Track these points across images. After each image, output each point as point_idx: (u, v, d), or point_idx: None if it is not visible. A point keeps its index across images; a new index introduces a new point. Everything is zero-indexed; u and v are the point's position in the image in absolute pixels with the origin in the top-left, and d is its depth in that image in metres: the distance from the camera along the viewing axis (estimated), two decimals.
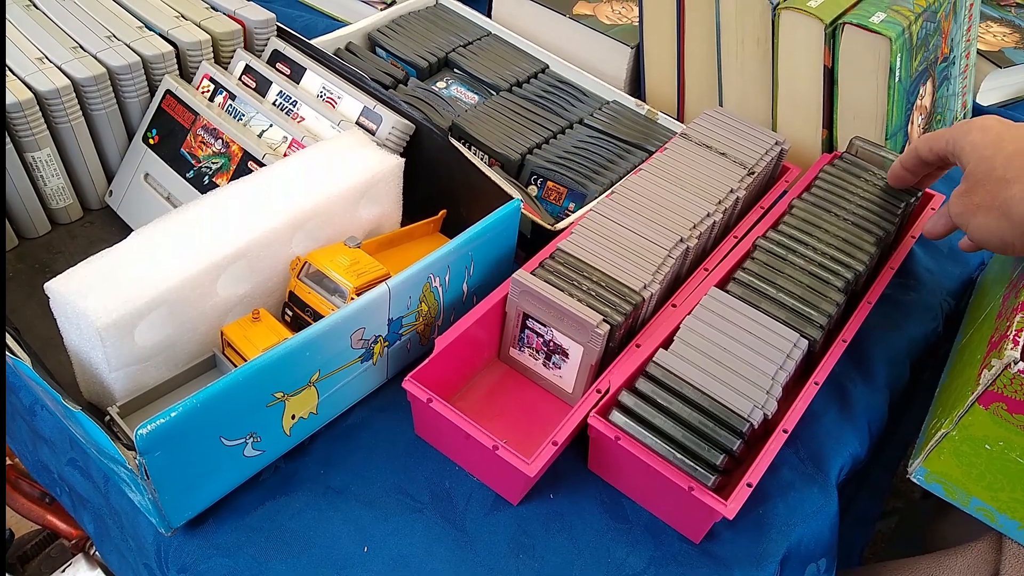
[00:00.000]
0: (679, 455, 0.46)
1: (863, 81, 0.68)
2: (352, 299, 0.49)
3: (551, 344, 0.54)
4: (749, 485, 0.46)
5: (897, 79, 0.68)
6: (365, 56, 0.77)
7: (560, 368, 0.55)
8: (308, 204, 0.50)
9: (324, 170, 0.52)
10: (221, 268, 0.47)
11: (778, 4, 0.68)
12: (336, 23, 0.89)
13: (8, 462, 0.96)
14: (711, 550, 0.49)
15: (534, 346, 0.55)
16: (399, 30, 0.80)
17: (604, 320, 0.50)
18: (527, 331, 0.55)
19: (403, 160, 0.56)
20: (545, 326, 0.53)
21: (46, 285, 0.44)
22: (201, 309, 0.47)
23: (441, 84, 0.77)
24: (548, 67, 0.80)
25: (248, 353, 0.47)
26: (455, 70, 0.79)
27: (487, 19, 0.84)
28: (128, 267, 0.45)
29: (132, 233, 0.47)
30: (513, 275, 0.52)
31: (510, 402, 0.55)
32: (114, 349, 0.43)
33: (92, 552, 0.86)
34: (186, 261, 0.46)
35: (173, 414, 0.40)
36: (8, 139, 0.56)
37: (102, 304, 0.42)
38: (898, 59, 0.67)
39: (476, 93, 0.76)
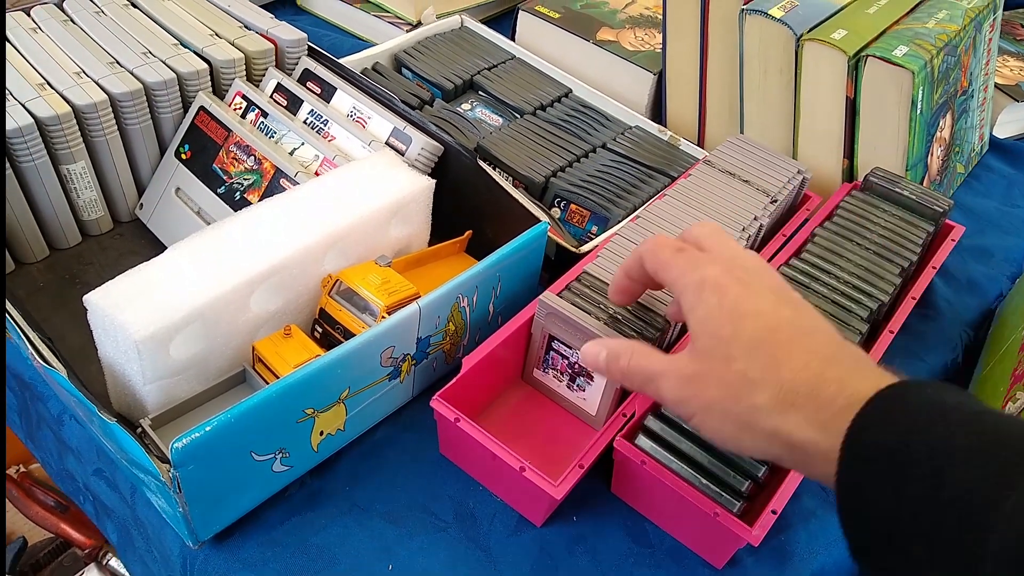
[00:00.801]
0: (704, 480, 0.46)
1: (885, 113, 0.69)
2: (383, 317, 0.49)
3: (576, 366, 0.54)
4: (774, 512, 0.46)
5: (919, 111, 0.69)
6: (391, 76, 0.78)
7: (584, 391, 0.55)
8: (341, 223, 0.51)
9: (357, 189, 0.53)
10: (255, 284, 0.47)
11: (802, 35, 0.69)
12: (362, 43, 0.90)
13: (22, 470, 0.97)
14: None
15: (559, 368, 0.56)
16: (425, 52, 0.81)
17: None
18: (552, 353, 0.55)
19: (434, 181, 0.57)
20: (570, 348, 0.53)
21: (85, 298, 0.44)
22: (234, 324, 0.48)
23: (466, 106, 0.78)
24: (571, 91, 0.81)
25: (280, 369, 0.47)
26: (480, 92, 0.80)
27: (511, 42, 0.86)
28: (165, 281, 0.45)
29: (168, 248, 0.47)
30: (540, 297, 0.53)
31: (534, 423, 0.56)
32: (150, 362, 0.44)
33: (105, 562, 0.86)
34: (221, 277, 0.46)
35: (208, 428, 0.40)
36: (45, 151, 0.57)
37: (140, 317, 0.43)
38: (920, 92, 0.68)
39: (500, 116, 0.77)
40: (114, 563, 0.85)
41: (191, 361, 0.47)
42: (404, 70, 0.81)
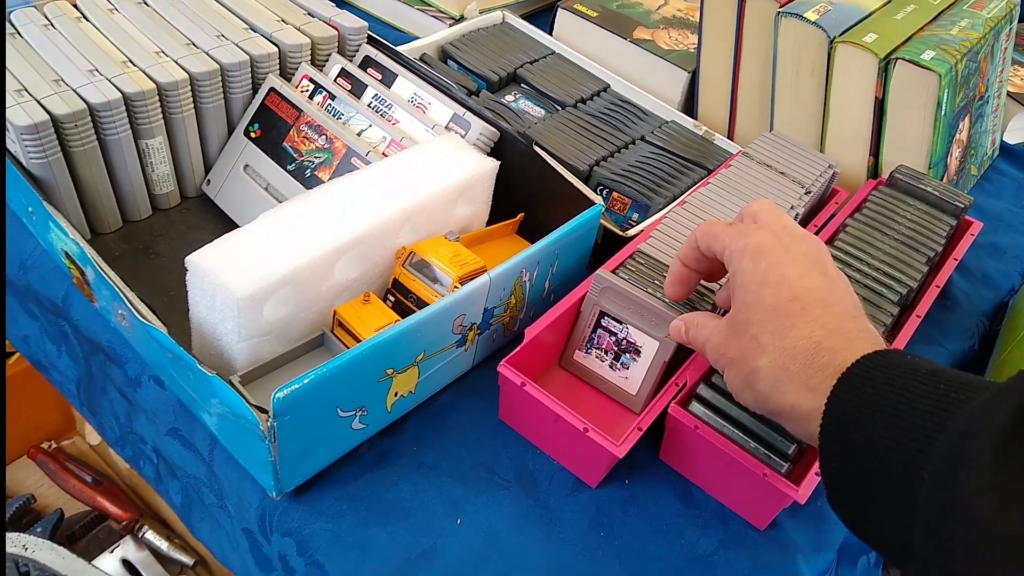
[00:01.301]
0: (754, 444, 0.50)
1: (911, 113, 0.73)
2: (455, 288, 0.53)
3: (624, 343, 0.58)
4: (817, 474, 0.50)
5: (943, 113, 0.73)
6: (438, 67, 0.81)
7: (628, 368, 0.58)
8: (415, 199, 0.55)
9: (428, 169, 0.57)
10: (340, 253, 0.51)
11: (835, 38, 0.73)
12: (403, 36, 0.94)
13: (55, 446, 0.99)
14: (775, 536, 0.52)
15: (604, 347, 0.59)
16: (470, 44, 0.85)
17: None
18: (599, 331, 0.59)
19: (497, 163, 0.60)
20: (621, 323, 0.57)
21: (187, 258, 0.48)
22: (318, 290, 0.51)
23: (509, 97, 0.81)
24: (609, 86, 0.84)
25: (361, 332, 0.51)
26: (523, 85, 0.83)
27: (550, 37, 0.89)
28: (260, 247, 0.48)
29: (258, 217, 0.50)
30: (596, 272, 0.56)
31: (576, 403, 0.58)
32: (246, 321, 0.47)
33: (141, 534, 0.89)
34: (311, 245, 0.49)
35: (306, 380, 0.44)
36: (128, 125, 0.60)
37: (241, 278, 0.46)
38: (945, 94, 0.72)
39: (542, 108, 0.81)
40: (150, 536, 0.88)
41: (279, 323, 0.50)
42: (450, 61, 0.84)
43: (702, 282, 0.55)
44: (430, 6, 0.93)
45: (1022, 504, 0.28)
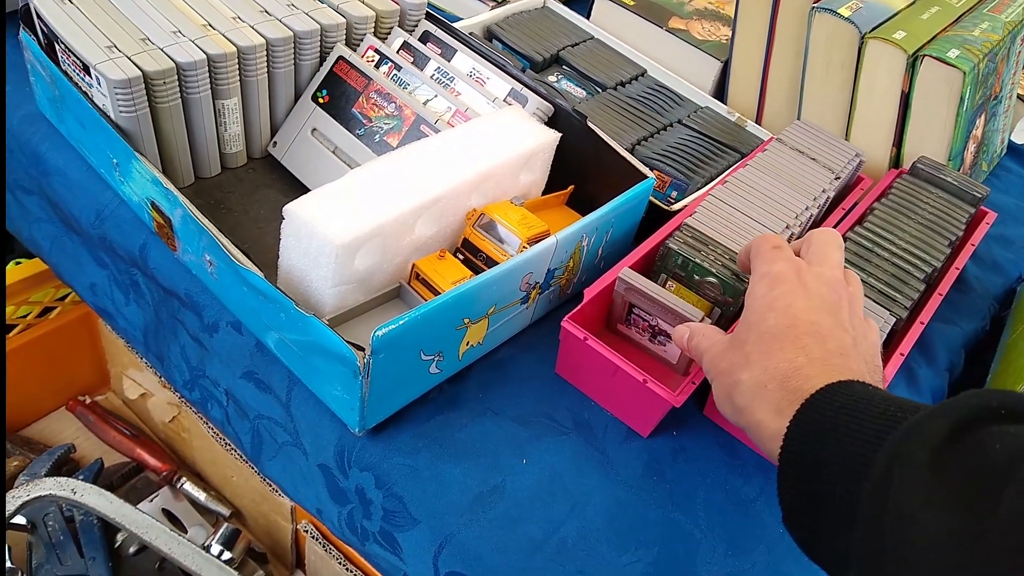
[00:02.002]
0: None
1: (935, 108, 0.78)
2: (523, 248, 0.57)
3: (655, 328, 0.61)
4: None
5: (964, 108, 0.78)
6: (484, 46, 0.85)
7: (665, 345, 0.62)
8: (487, 164, 0.58)
9: (497, 138, 0.60)
10: (422, 210, 0.54)
11: (866, 34, 0.78)
12: (445, 15, 0.97)
13: (89, 400, 1.02)
14: None
15: (640, 327, 0.63)
16: (515, 26, 0.88)
17: (706, 315, 0.58)
18: (633, 315, 0.62)
19: (558, 135, 0.64)
20: (651, 315, 0.60)
21: (285, 208, 0.51)
22: (401, 243, 0.55)
23: (552, 78, 0.85)
24: (646, 71, 0.88)
25: (440, 284, 0.54)
26: (564, 67, 0.87)
27: (588, 22, 0.93)
28: (352, 200, 0.52)
29: (349, 172, 0.54)
30: (620, 273, 0.58)
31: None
32: (340, 267, 0.51)
33: (179, 485, 0.92)
34: (398, 201, 0.53)
35: (401, 322, 0.47)
36: (209, 85, 0.63)
37: (338, 227, 0.50)
38: (967, 91, 0.77)
39: (583, 89, 0.85)
40: (188, 487, 0.91)
41: (366, 271, 0.54)
42: (495, 41, 0.88)
43: (717, 296, 0.59)
44: None
45: (949, 505, 0.30)
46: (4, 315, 0.90)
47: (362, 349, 0.47)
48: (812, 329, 0.43)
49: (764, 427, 0.41)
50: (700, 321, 0.55)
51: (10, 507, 0.75)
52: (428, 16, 0.75)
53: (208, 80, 0.62)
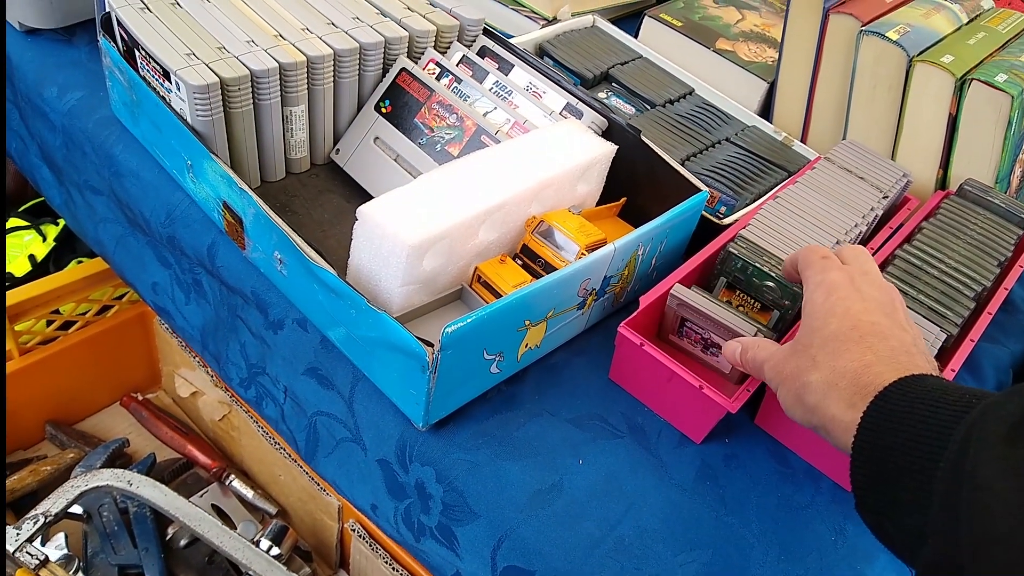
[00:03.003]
0: None
1: (982, 131, 0.79)
2: (582, 255, 0.58)
3: (707, 341, 0.63)
4: None
5: (1012, 132, 0.79)
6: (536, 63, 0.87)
7: (718, 356, 0.63)
8: (547, 174, 0.60)
9: (556, 149, 0.62)
10: (488, 215, 0.56)
11: (914, 57, 0.79)
12: (500, 32, 1.00)
13: (140, 398, 1.05)
14: None
15: (692, 339, 0.64)
16: (566, 44, 0.91)
17: (762, 325, 0.59)
18: (685, 328, 0.63)
19: (615, 147, 0.66)
20: (703, 328, 0.62)
21: (359, 209, 0.53)
22: (466, 247, 0.57)
23: (602, 95, 0.87)
24: (694, 90, 0.90)
25: (501, 287, 0.56)
26: (614, 84, 0.89)
27: (636, 41, 0.95)
28: (421, 204, 0.54)
29: (418, 178, 0.56)
30: (671, 291, 0.59)
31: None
32: (410, 267, 0.53)
33: (228, 482, 0.94)
34: (464, 206, 0.55)
35: (469, 320, 0.49)
36: (279, 92, 0.65)
37: (409, 228, 0.52)
38: (1015, 115, 0.77)
39: (632, 106, 0.87)
40: (236, 484, 0.93)
41: (432, 272, 0.56)
42: (546, 58, 0.90)
43: (751, 313, 0.60)
44: (523, 7, 0.99)
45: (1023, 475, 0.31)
46: (4, 302, 0.92)
47: (431, 345, 0.49)
48: (874, 329, 0.44)
49: (837, 422, 0.42)
50: (753, 336, 0.57)
51: (69, 496, 0.78)
52: (485, 32, 0.78)
53: (279, 88, 0.65)
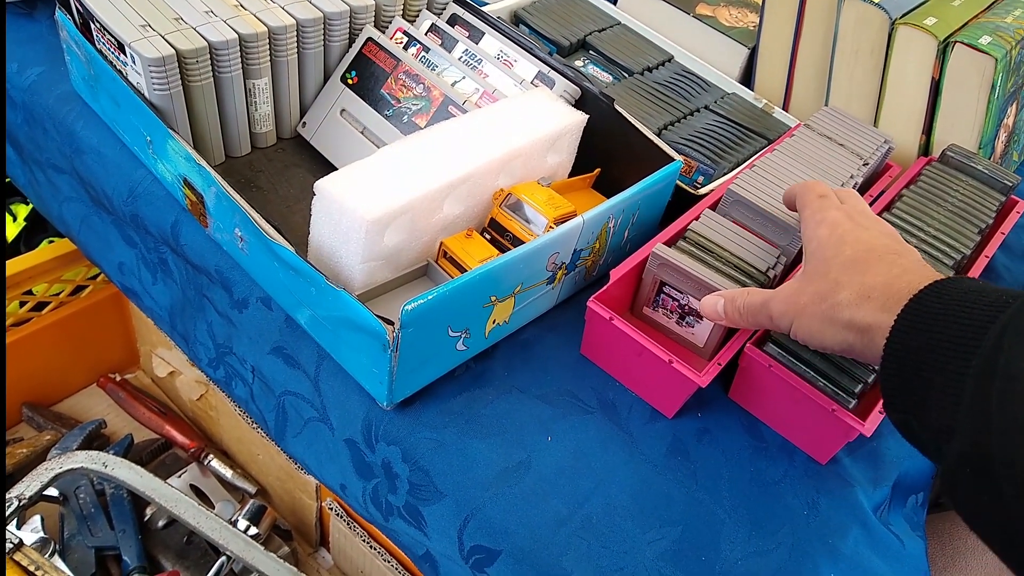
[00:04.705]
0: (823, 382, 0.55)
1: (966, 95, 0.77)
2: (550, 228, 0.57)
3: (686, 308, 0.61)
4: (881, 412, 0.54)
5: (996, 96, 0.77)
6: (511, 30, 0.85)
7: (693, 328, 0.62)
8: (515, 145, 0.59)
9: (524, 119, 0.61)
10: (450, 189, 0.55)
11: (896, 20, 0.77)
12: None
13: (119, 378, 1.04)
14: (835, 471, 0.57)
15: (668, 308, 0.63)
16: (541, 11, 0.89)
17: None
18: (662, 296, 0.62)
19: (586, 116, 0.64)
20: (681, 292, 0.60)
21: (316, 184, 0.52)
22: (429, 221, 0.55)
23: (579, 63, 0.85)
24: (673, 57, 0.88)
25: (467, 262, 0.55)
26: (591, 52, 0.87)
27: (615, 8, 0.93)
28: (382, 178, 0.52)
29: (379, 150, 0.54)
30: (653, 249, 0.58)
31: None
32: (370, 243, 0.51)
33: (206, 462, 0.93)
34: (427, 179, 0.54)
35: (430, 297, 0.48)
36: (240, 65, 0.64)
37: (368, 203, 0.50)
38: (999, 78, 0.76)
39: (610, 74, 0.85)
40: (215, 464, 0.92)
41: (394, 248, 0.54)
42: (521, 25, 0.88)
43: (741, 275, 0.59)
44: None
45: None
46: (4, 306, 0.91)
47: (391, 323, 0.48)
48: (891, 249, 0.47)
49: (875, 328, 0.43)
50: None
51: (43, 479, 0.77)
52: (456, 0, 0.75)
53: (239, 60, 0.63)
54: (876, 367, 0.44)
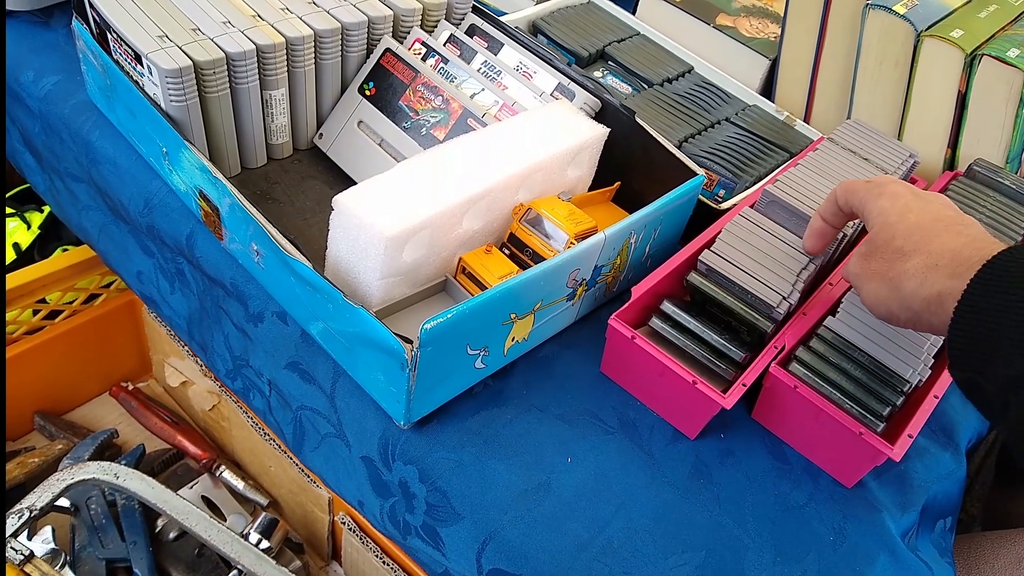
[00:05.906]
0: (850, 404, 0.53)
1: (993, 108, 0.75)
2: (571, 244, 0.56)
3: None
4: (910, 436, 0.53)
5: None
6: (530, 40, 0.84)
7: None
8: (535, 159, 0.58)
9: (545, 132, 0.60)
10: (471, 203, 0.54)
11: (922, 32, 0.76)
12: (491, 10, 0.96)
13: (131, 387, 1.03)
14: (862, 495, 0.56)
15: None
16: (560, 21, 0.88)
17: (784, 299, 0.57)
18: None
19: (607, 130, 0.63)
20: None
21: (335, 199, 0.51)
22: (448, 237, 0.54)
23: (598, 73, 0.84)
24: (693, 68, 0.87)
25: (486, 278, 0.54)
26: (610, 62, 0.86)
27: (634, 18, 0.92)
28: (401, 192, 0.52)
29: (398, 165, 0.54)
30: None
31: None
32: (388, 259, 0.50)
33: (218, 473, 0.92)
34: (446, 194, 0.53)
35: (449, 315, 0.47)
36: (257, 76, 0.63)
37: (387, 219, 0.49)
38: None
39: (629, 85, 0.84)
40: (227, 475, 0.91)
41: (413, 264, 0.53)
42: (540, 36, 0.87)
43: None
44: None
45: None
46: (4, 306, 0.91)
47: (410, 341, 0.47)
48: (955, 220, 0.46)
49: (944, 295, 0.42)
50: (778, 306, 0.55)
51: (55, 490, 0.76)
52: (474, 10, 0.75)
53: (256, 70, 0.63)
54: (942, 335, 0.43)
